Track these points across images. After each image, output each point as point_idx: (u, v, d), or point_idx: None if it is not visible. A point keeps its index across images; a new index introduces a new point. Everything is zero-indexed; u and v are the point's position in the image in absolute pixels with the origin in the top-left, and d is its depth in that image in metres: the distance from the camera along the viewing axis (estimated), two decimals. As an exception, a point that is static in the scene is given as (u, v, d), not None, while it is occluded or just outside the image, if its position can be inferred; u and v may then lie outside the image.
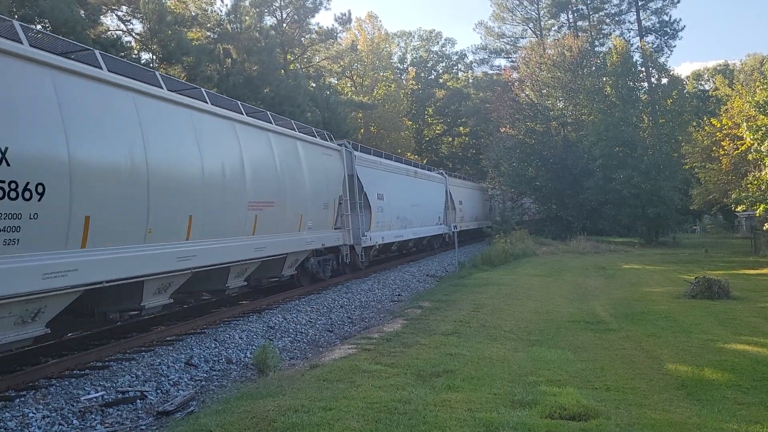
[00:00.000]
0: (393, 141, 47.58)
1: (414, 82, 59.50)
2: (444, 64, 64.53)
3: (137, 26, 29.14)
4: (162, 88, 9.54)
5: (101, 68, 8.21)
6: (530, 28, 58.41)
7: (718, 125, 27.61)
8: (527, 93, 41.08)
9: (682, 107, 34.97)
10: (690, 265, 20.70)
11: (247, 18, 33.78)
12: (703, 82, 64.40)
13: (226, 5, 37.05)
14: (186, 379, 7.45)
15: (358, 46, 49.02)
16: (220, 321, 11.35)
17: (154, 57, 27.68)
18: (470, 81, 63.97)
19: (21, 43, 6.91)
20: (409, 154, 48.61)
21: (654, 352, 8.04)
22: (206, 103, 10.77)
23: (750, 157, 22.09)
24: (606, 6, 55.35)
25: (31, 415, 5.95)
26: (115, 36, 26.15)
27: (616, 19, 55.70)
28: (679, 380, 6.59)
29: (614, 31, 54.04)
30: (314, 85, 40.34)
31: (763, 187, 20.55)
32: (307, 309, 12.44)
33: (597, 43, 53.42)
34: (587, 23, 56.33)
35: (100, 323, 9.82)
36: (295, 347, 9.42)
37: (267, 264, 12.64)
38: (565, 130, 39.21)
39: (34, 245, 6.70)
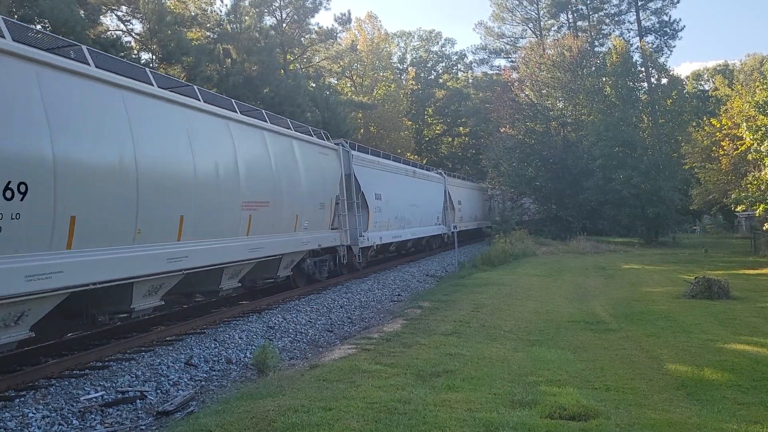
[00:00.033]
0: (393, 141, 47.60)
1: (414, 82, 59.51)
2: (444, 64, 64.55)
3: (137, 26, 29.18)
4: (153, 85, 9.32)
5: (89, 64, 7.99)
6: (530, 28, 58.42)
7: (718, 125, 27.63)
8: (527, 93, 41.08)
9: (681, 107, 34.99)
10: (690, 265, 20.71)
11: (246, 18, 33.78)
12: (702, 82, 64.47)
13: (226, 5, 37.16)
14: (186, 379, 7.45)
15: (358, 46, 49.02)
16: (220, 321, 11.35)
17: (154, 57, 27.66)
18: (470, 81, 63.97)
19: (3, 37, 6.71)
20: (408, 154, 48.63)
21: (654, 352, 8.04)
22: (199, 101, 10.56)
23: (750, 157, 22.10)
24: (606, 6, 55.33)
25: (30, 415, 5.95)
26: (114, 36, 26.13)
27: (616, 19, 55.71)
28: (679, 380, 6.59)
29: (614, 31, 54.07)
30: (314, 85, 40.34)
31: (762, 187, 20.55)
32: (306, 309, 12.44)
33: (597, 43, 53.40)
34: (587, 23, 56.30)
35: (89, 326, 9.62)
36: (295, 347, 9.42)
37: (262, 265, 12.44)
38: (564, 130, 39.22)
39: (17, 246, 6.50)
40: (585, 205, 35.02)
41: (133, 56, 25.06)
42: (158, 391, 6.92)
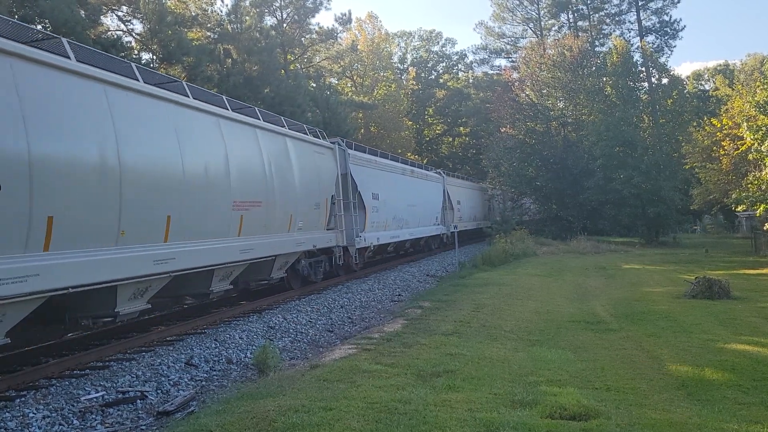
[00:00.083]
0: (393, 141, 47.63)
1: (414, 82, 59.55)
2: (444, 64, 64.56)
3: (137, 26, 29.17)
4: (138, 80, 8.97)
5: (69, 58, 7.63)
6: (530, 28, 58.45)
7: (719, 125, 27.62)
8: (527, 93, 41.09)
9: (682, 107, 35.00)
10: (690, 265, 20.71)
11: (247, 18, 33.79)
12: (703, 82, 64.47)
13: (227, 5, 37.05)
14: (186, 379, 7.45)
15: (359, 46, 49.04)
16: (221, 321, 11.34)
17: (155, 57, 27.68)
18: (470, 81, 63.98)
19: None
20: (409, 154, 48.64)
21: (654, 352, 8.04)
22: (188, 97, 10.21)
23: (750, 157, 22.09)
24: (606, 6, 55.35)
25: (31, 415, 5.95)
26: (115, 36, 26.15)
27: (617, 19, 55.74)
28: (680, 380, 6.59)
29: (614, 31, 54.10)
30: (314, 85, 40.35)
31: (763, 187, 20.56)
32: (307, 309, 12.43)
33: (597, 43, 53.41)
34: (587, 23, 56.32)
35: (72, 331, 9.35)
36: (296, 347, 9.42)
37: (255, 266, 12.10)
38: (565, 130, 39.23)
39: None
40: (585, 205, 35.03)
41: (134, 56, 25.08)
42: (159, 391, 6.92)
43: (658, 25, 53.75)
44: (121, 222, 8.03)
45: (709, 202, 34.52)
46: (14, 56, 6.71)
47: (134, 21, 28.96)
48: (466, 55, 64.81)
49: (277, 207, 12.70)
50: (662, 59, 45.91)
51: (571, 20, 56.77)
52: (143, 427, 5.78)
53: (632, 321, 10.40)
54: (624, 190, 30.44)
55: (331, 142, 17.15)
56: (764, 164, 20.27)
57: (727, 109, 29.58)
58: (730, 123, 26.24)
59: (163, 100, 9.44)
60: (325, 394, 5.91)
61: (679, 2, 54.02)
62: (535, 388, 6.14)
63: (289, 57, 41.31)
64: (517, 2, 57.02)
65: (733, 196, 23.06)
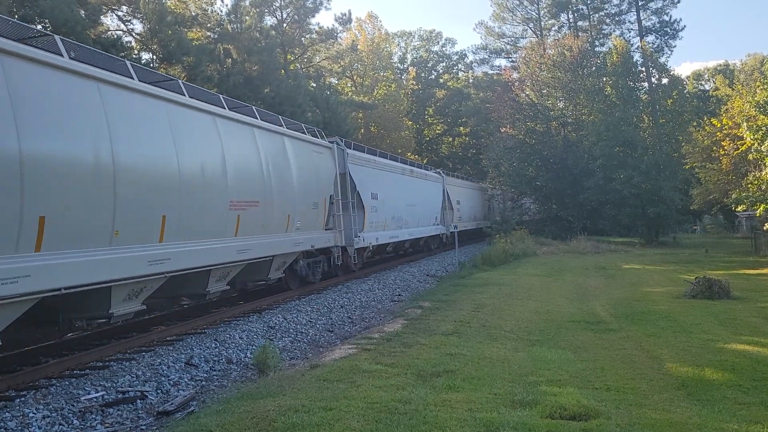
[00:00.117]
0: (393, 141, 47.64)
1: (414, 82, 59.56)
2: (444, 64, 64.57)
3: (137, 26, 29.18)
4: (133, 78, 8.85)
5: (62, 55, 7.51)
6: (530, 28, 58.46)
7: (719, 125, 27.63)
8: (527, 93, 41.09)
9: (682, 107, 35.00)
10: (690, 265, 20.71)
11: (247, 18, 33.79)
12: (703, 82, 64.47)
13: (227, 5, 37.04)
14: (186, 379, 7.45)
15: (359, 46, 49.04)
16: (221, 321, 11.34)
17: (155, 57, 27.69)
18: (470, 81, 64.00)
19: None
20: (409, 154, 48.66)
21: (654, 352, 8.04)
22: (183, 95, 10.10)
23: (750, 157, 22.10)
24: (606, 6, 55.36)
25: (31, 415, 5.95)
26: (115, 36, 26.15)
27: (617, 19, 55.76)
28: (680, 380, 6.59)
29: (614, 31, 54.11)
30: (314, 85, 40.36)
31: (763, 187, 20.56)
32: (307, 309, 12.44)
33: (597, 43, 53.42)
34: (587, 23, 56.33)
35: (65, 332, 9.26)
36: (296, 347, 9.42)
37: (252, 266, 11.98)
38: (565, 130, 39.24)
39: None
40: (585, 204, 35.04)
41: (134, 56, 25.08)
42: (159, 391, 6.92)
43: (658, 25, 53.79)
44: (115, 222, 7.92)
45: (709, 202, 34.54)
46: (5, 53, 6.62)
47: (134, 21, 29.00)
48: (466, 55, 64.94)
49: (275, 207, 12.59)
50: (662, 59, 46.00)
51: (571, 20, 56.82)
52: (143, 427, 5.78)
53: (632, 321, 10.40)
54: (624, 190, 30.45)
55: (329, 142, 17.02)
56: (764, 164, 20.27)
57: (727, 109, 29.59)
58: (730, 123, 26.25)
59: (159, 99, 9.34)
60: (325, 394, 5.91)
61: (679, 2, 54.12)
62: (535, 388, 6.14)
63: (289, 57, 41.32)
64: (517, 2, 57.08)
65: (733, 196, 23.07)
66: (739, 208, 25.46)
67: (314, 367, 7.28)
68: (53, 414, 6.02)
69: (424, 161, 50.44)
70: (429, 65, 63.80)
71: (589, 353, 8.00)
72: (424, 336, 8.97)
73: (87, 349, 8.82)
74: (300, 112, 29.94)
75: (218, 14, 34.57)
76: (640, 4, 53.18)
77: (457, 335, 9.10)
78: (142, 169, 8.60)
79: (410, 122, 56.81)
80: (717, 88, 47.00)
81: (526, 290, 14.79)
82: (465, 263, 22.11)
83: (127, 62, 9.20)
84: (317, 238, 15.08)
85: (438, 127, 64.47)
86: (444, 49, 64.31)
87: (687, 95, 39.70)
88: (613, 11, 55.46)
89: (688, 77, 62.77)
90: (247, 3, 36.75)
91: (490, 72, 61.18)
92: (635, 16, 53.87)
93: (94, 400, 6.53)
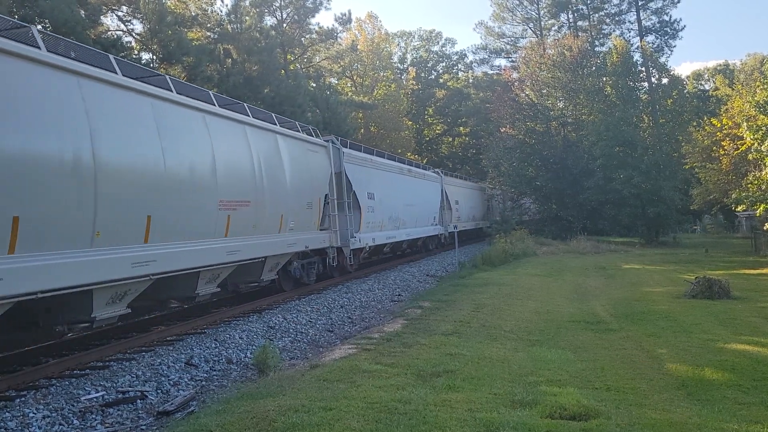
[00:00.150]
0: (393, 141, 47.66)
1: (414, 82, 59.58)
2: (444, 64, 64.61)
3: (137, 26, 29.22)
4: (117, 73, 8.54)
5: (39, 48, 7.19)
6: (530, 28, 58.48)
7: (719, 125, 27.66)
8: (527, 93, 41.10)
9: (682, 107, 35.00)
10: (690, 264, 20.71)
11: (247, 18, 33.82)
12: (703, 82, 64.51)
13: (227, 5, 37.10)
14: (186, 379, 7.45)
15: (358, 46, 49.06)
16: (221, 321, 11.34)
17: (155, 57, 27.71)
18: (470, 81, 64.02)
19: None
20: (409, 154, 48.68)
21: (654, 352, 8.04)
22: (171, 91, 9.79)
23: (750, 156, 22.12)
24: (606, 6, 55.37)
25: (31, 415, 5.96)
26: (115, 36, 26.18)
27: (616, 19, 55.76)
28: (680, 380, 6.59)
29: (614, 31, 54.11)
30: (314, 85, 40.38)
31: (763, 187, 20.57)
32: (307, 309, 12.44)
33: (597, 43, 53.43)
34: (587, 23, 56.33)
35: (46, 337, 9.07)
36: (296, 347, 9.42)
37: (244, 268, 11.64)
38: (565, 130, 39.24)
39: None
40: (585, 204, 35.04)
41: (134, 56, 25.08)
42: (159, 391, 6.92)
43: (658, 25, 53.79)
44: (96, 222, 7.61)
45: (709, 202, 34.57)
46: None
47: (134, 21, 29.04)
48: (466, 55, 65.04)
49: (267, 206, 12.26)
50: (662, 59, 46.02)
51: (571, 20, 56.82)
52: (143, 427, 5.78)
53: (632, 321, 10.40)
54: (624, 190, 30.44)
55: (324, 140, 16.70)
56: (764, 164, 20.28)
57: (727, 109, 29.61)
58: (730, 123, 26.26)
59: (144, 94, 9.02)
60: (325, 394, 5.92)
61: (679, 2, 54.16)
62: (535, 388, 6.14)
63: (289, 57, 41.33)
64: (517, 2, 57.10)
65: (733, 196, 23.08)
66: (739, 208, 25.47)
67: (314, 367, 7.28)
68: (53, 414, 6.02)
69: (424, 161, 50.45)
70: (429, 65, 63.84)
71: (589, 353, 8.00)
72: (424, 336, 8.97)
73: (87, 349, 8.82)
74: (300, 112, 29.96)
75: (218, 14, 34.63)
76: (640, 4, 53.19)
77: (457, 335, 9.10)
78: (125, 168, 8.30)
79: (410, 122, 56.83)
80: (717, 88, 47.05)
81: (526, 290, 14.79)
82: (465, 263, 22.11)
83: (110, 56, 8.89)
84: (312, 239, 14.79)
85: (438, 127, 64.49)
86: (444, 49, 64.45)
87: (687, 95, 39.69)
88: (613, 11, 55.53)
89: (688, 77, 62.85)
90: (247, 3, 36.76)
91: (490, 72, 61.30)
92: (635, 16, 53.92)
93: (94, 400, 6.53)
